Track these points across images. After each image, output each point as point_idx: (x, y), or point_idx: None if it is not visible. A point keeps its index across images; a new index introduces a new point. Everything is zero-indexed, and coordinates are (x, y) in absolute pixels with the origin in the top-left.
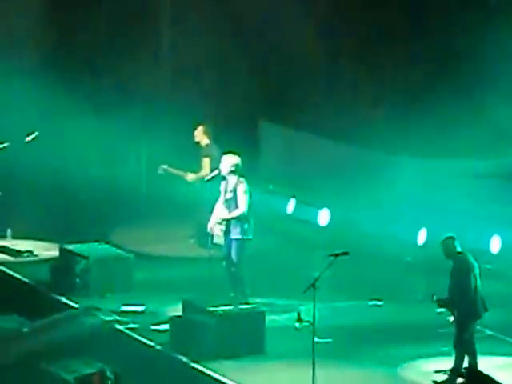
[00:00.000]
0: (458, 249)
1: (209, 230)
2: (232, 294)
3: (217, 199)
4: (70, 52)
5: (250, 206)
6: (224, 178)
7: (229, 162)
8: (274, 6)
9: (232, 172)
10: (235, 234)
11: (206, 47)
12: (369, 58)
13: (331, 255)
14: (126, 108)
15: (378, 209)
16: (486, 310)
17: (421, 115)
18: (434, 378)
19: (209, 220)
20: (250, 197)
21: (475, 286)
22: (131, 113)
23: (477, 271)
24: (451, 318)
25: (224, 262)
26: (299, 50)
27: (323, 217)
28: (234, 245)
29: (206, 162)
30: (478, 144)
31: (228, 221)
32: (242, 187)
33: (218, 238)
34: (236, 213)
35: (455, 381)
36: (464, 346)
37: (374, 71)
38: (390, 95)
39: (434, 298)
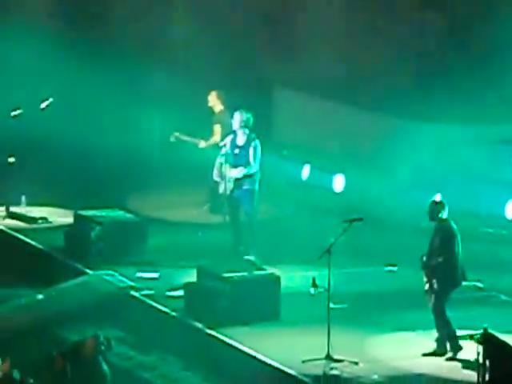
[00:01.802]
0: (445, 215)
1: (216, 179)
2: (241, 248)
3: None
4: (85, 18)
5: (259, 162)
6: (234, 133)
7: (240, 116)
8: None
9: (243, 127)
10: (248, 184)
11: (217, 14)
12: (390, 27)
13: (346, 221)
14: (141, 74)
15: (393, 174)
16: (465, 279)
17: (437, 80)
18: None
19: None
20: (260, 154)
21: (457, 254)
22: (145, 79)
23: (459, 239)
24: (426, 286)
25: (229, 215)
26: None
27: (338, 183)
28: (247, 196)
29: (218, 128)
30: (495, 109)
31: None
32: (255, 144)
33: (227, 190)
34: (251, 171)
35: (446, 349)
36: (445, 312)
37: (390, 38)
38: (406, 61)
39: (424, 258)
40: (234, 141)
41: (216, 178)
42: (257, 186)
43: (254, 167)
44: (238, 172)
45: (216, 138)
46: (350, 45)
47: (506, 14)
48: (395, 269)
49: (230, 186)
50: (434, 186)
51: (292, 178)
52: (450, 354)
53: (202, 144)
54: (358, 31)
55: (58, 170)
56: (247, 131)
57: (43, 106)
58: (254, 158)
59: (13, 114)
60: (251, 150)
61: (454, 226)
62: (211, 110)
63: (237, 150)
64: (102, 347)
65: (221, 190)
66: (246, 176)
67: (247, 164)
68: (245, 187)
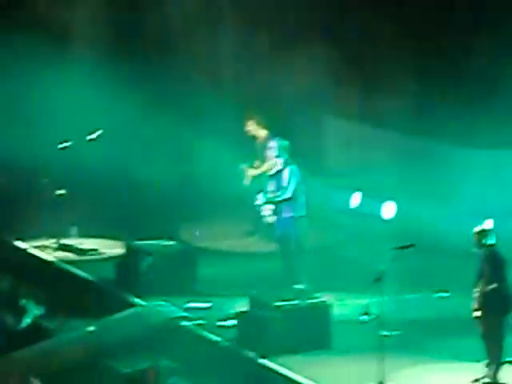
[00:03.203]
0: (491, 241)
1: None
2: (294, 285)
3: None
4: (132, 46)
5: (298, 184)
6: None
7: (276, 145)
8: None
9: (280, 155)
10: (287, 211)
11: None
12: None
13: (397, 248)
14: (192, 105)
15: (445, 200)
16: None
17: (489, 105)
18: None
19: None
20: (297, 176)
21: (508, 280)
22: (197, 110)
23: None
24: (477, 313)
25: (277, 244)
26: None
27: (388, 210)
28: (289, 223)
29: (270, 155)
30: None
31: (275, 203)
32: (289, 169)
33: (270, 218)
34: (285, 196)
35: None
36: (502, 337)
37: (441, 60)
38: (457, 85)
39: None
40: (273, 169)
41: (265, 212)
42: (300, 212)
43: (288, 192)
44: (276, 197)
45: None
46: (402, 74)
47: None
48: (447, 295)
49: (270, 214)
50: (485, 213)
51: (342, 205)
52: (488, 379)
53: (253, 172)
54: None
55: (108, 201)
56: (284, 158)
57: (92, 136)
58: (289, 183)
59: (61, 145)
60: (285, 175)
61: (501, 253)
62: (254, 138)
63: (273, 177)
64: (163, 377)
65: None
66: (284, 203)
67: (281, 189)
68: (284, 215)
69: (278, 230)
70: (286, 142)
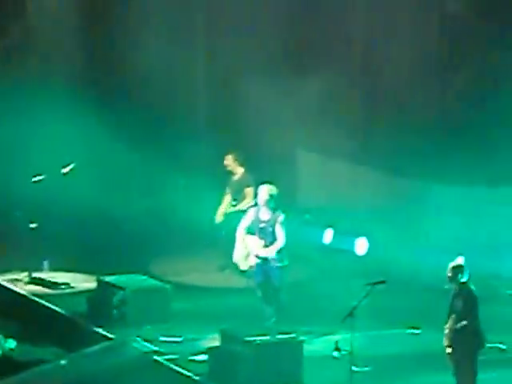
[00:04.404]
0: (464, 279)
1: (237, 262)
2: (267, 323)
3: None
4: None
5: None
6: (254, 206)
7: (267, 191)
8: None
9: (268, 202)
10: (274, 261)
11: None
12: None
13: (369, 284)
14: (163, 137)
15: (417, 237)
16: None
17: (459, 142)
18: None
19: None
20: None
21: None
22: (168, 142)
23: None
24: (449, 349)
25: (258, 290)
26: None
27: (361, 246)
28: (275, 273)
29: (249, 190)
30: None
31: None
32: (281, 219)
33: (251, 267)
34: (278, 246)
35: None
36: (474, 375)
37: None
38: (426, 123)
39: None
40: (257, 215)
41: (236, 258)
42: (285, 262)
43: (281, 242)
44: (270, 252)
45: (249, 200)
46: (365, 111)
47: None
48: (418, 331)
49: (256, 261)
50: (458, 249)
51: (314, 241)
52: None
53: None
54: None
55: (80, 235)
56: (272, 205)
57: (65, 170)
58: (282, 233)
59: (34, 179)
60: (278, 226)
61: (474, 290)
62: (231, 173)
63: (262, 225)
64: None
65: (243, 266)
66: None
67: (275, 240)
68: (272, 264)
69: (259, 276)
70: (275, 190)
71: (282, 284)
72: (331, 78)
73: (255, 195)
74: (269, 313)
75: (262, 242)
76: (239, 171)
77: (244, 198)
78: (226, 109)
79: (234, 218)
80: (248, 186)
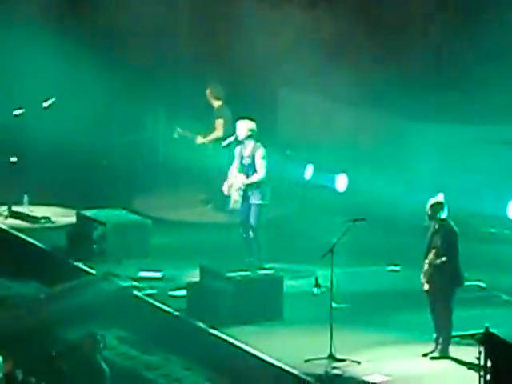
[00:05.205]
0: (443, 215)
1: (224, 191)
2: (248, 259)
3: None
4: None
5: (267, 171)
6: (239, 143)
7: (245, 126)
8: None
9: (249, 137)
10: (254, 199)
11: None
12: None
13: (348, 221)
14: (145, 71)
15: (396, 174)
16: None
17: (442, 80)
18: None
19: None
20: (267, 162)
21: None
22: (151, 76)
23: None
24: (426, 286)
25: (241, 228)
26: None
27: (341, 182)
28: (253, 210)
29: (220, 123)
30: (497, 109)
31: (246, 186)
32: (260, 152)
33: (235, 203)
34: (255, 178)
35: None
36: (451, 311)
37: (395, 36)
38: (410, 59)
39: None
40: (241, 151)
41: (225, 190)
42: (265, 200)
43: (261, 175)
44: (246, 181)
45: (218, 133)
46: (348, 45)
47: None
48: (398, 268)
49: (238, 198)
50: (437, 186)
51: (295, 177)
52: (437, 353)
53: (200, 140)
54: (358, 34)
55: (60, 169)
56: (253, 140)
57: (45, 105)
58: (261, 167)
59: (15, 113)
60: (257, 158)
61: (454, 226)
62: (211, 105)
63: (245, 161)
64: (100, 345)
65: (223, 188)
66: (253, 188)
67: (254, 173)
68: (252, 201)
69: (242, 215)
70: (254, 125)
71: (258, 222)
72: (310, 15)
73: (229, 128)
74: (250, 250)
75: (244, 177)
76: (215, 104)
77: (214, 130)
78: (212, 42)
79: (209, 152)
80: (220, 118)
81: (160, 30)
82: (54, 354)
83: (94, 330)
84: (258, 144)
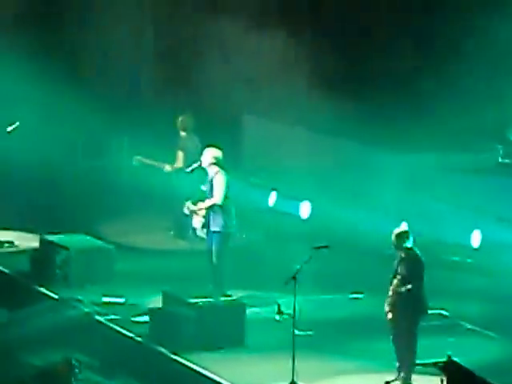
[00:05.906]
0: (409, 244)
1: (185, 211)
2: (210, 286)
3: (195, 191)
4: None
5: (229, 198)
6: (203, 170)
7: (209, 154)
8: None
9: (212, 164)
10: (215, 226)
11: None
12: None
13: (312, 248)
14: (110, 98)
15: (360, 201)
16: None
17: (404, 108)
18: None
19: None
20: (229, 188)
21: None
22: (115, 103)
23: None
24: (389, 315)
25: (207, 255)
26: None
27: (304, 209)
28: (214, 238)
29: (180, 154)
30: (461, 137)
31: (207, 213)
32: (219, 178)
33: (201, 231)
34: (208, 202)
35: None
36: (415, 340)
37: (356, 66)
38: (371, 87)
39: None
40: (205, 179)
41: (186, 211)
42: (228, 228)
43: (215, 200)
44: (199, 207)
45: (178, 164)
46: (313, 72)
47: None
48: (361, 296)
49: (199, 225)
50: (400, 214)
51: (259, 204)
52: (400, 382)
53: (168, 168)
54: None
55: (24, 194)
56: (217, 167)
57: (9, 129)
58: (217, 192)
59: None
60: (214, 184)
61: (420, 255)
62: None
63: (205, 187)
64: (76, 370)
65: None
66: (211, 214)
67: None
68: (212, 228)
69: (208, 242)
70: (220, 153)
71: (219, 251)
72: (276, 41)
73: (196, 157)
74: (213, 277)
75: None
76: (181, 134)
77: (176, 160)
78: (176, 70)
79: (172, 179)
80: (181, 150)
81: (125, 57)
82: (26, 379)
83: (71, 355)
84: (218, 169)
